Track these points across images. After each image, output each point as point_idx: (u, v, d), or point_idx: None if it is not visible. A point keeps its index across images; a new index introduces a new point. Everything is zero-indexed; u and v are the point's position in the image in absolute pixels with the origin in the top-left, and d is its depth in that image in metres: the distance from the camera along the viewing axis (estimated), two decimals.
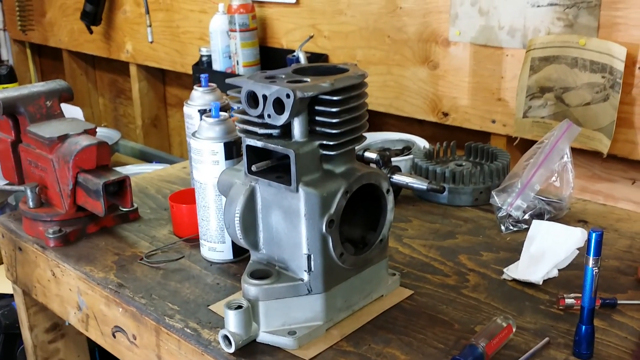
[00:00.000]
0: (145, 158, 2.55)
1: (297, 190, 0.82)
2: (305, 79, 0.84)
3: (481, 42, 1.58)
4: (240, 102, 0.86)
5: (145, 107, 2.76)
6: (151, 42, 2.51)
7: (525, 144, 1.49)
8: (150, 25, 2.49)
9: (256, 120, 0.85)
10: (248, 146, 0.86)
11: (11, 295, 1.44)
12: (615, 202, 1.49)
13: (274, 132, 0.85)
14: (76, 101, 3.08)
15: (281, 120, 0.81)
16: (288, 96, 0.79)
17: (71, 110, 2.37)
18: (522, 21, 1.49)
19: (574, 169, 1.18)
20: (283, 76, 0.86)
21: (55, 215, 1.16)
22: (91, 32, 2.74)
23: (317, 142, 0.84)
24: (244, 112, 0.86)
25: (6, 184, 1.31)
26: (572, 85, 1.43)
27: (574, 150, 1.19)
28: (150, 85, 2.76)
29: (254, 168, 0.85)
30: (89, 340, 1.38)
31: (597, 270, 0.78)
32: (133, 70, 2.73)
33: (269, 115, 0.82)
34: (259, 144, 0.85)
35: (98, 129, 1.22)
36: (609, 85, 1.37)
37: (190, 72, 2.32)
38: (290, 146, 0.82)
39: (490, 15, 1.54)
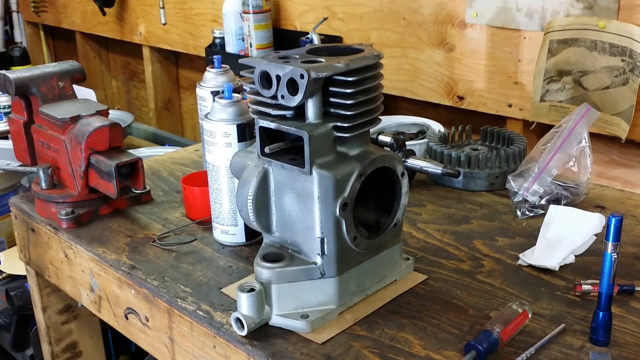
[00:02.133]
0: (158, 141, 2.54)
1: (311, 173, 0.81)
2: (319, 60, 0.83)
3: (498, 24, 1.56)
4: (253, 82, 0.84)
5: (158, 90, 2.76)
6: (164, 24, 2.49)
7: (542, 129, 1.46)
8: (163, 7, 2.48)
9: (269, 101, 0.84)
10: (261, 127, 0.85)
11: (24, 277, 1.44)
12: (633, 188, 1.47)
13: (288, 113, 0.83)
14: (89, 83, 3.08)
15: (295, 101, 0.80)
16: (302, 76, 0.78)
17: (84, 93, 2.36)
18: (540, 3, 1.46)
19: (592, 154, 1.16)
20: (297, 56, 0.84)
21: (67, 196, 1.16)
22: (104, 13, 2.73)
23: (332, 124, 0.83)
24: (257, 93, 0.85)
25: (19, 165, 1.31)
26: (591, 69, 1.41)
27: (591, 136, 1.17)
28: (163, 68, 2.75)
29: (267, 150, 0.84)
30: (101, 321, 1.39)
31: (616, 256, 0.77)
32: (146, 52, 2.72)
33: (282, 96, 0.81)
34: (272, 125, 0.84)
35: (112, 112, 1.22)
36: (628, 68, 1.34)
37: (203, 54, 2.30)
38: (304, 128, 0.81)
39: None
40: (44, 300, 1.32)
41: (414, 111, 1.82)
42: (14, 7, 3.42)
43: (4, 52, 3.05)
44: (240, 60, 0.86)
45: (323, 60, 0.82)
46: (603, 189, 1.24)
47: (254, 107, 0.86)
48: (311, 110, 0.82)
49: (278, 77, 0.81)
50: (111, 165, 1.09)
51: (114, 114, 2.50)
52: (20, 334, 1.52)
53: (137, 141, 2.56)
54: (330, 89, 0.82)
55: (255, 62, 0.83)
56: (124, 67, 3.12)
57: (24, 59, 3.00)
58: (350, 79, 0.81)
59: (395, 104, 1.87)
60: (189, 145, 2.02)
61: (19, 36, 3.46)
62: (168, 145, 2.37)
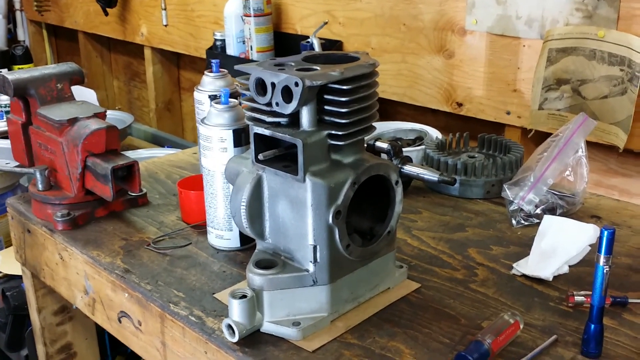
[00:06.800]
0: (158, 142, 2.55)
1: (304, 180, 0.81)
2: (315, 67, 0.83)
3: (498, 32, 1.56)
4: (248, 89, 0.84)
5: (159, 91, 2.76)
6: (166, 26, 2.50)
7: (540, 136, 1.46)
8: (165, 9, 2.48)
9: (264, 108, 0.84)
10: (256, 134, 0.85)
11: (20, 277, 1.45)
12: (630, 198, 1.47)
13: (282, 120, 0.84)
14: (91, 83, 3.09)
15: (289, 108, 0.80)
16: (296, 84, 0.78)
17: (85, 93, 2.37)
18: (540, 11, 1.46)
19: (589, 163, 1.16)
20: (292, 64, 0.85)
21: (64, 198, 1.16)
22: (107, 14, 2.73)
23: (326, 132, 0.83)
24: (252, 100, 0.85)
25: (17, 166, 1.32)
26: (590, 78, 1.41)
27: (589, 144, 1.17)
28: (165, 69, 2.75)
29: (261, 157, 0.84)
30: (97, 323, 1.39)
31: (607, 269, 0.77)
32: (147, 53, 2.72)
33: (277, 104, 0.81)
34: (266, 132, 0.84)
35: (112, 112, 1.22)
36: (627, 78, 1.34)
37: (204, 56, 2.31)
38: (298, 135, 0.81)
39: (508, 5, 1.51)
40: (39, 301, 1.33)
41: (413, 117, 1.82)
42: (17, 5, 3.42)
43: (7, 50, 3.06)
44: (237, 67, 0.86)
45: (318, 68, 0.83)
46: (599, 198, 1.24)
47: (249, 113, 0.86)
48: (305, 117, 0.82)
49: (273, 85, 0.81)
50: (107, 168, 1.09)
51: (115, 114, 2.50)
52: (16, 334, 1.53)
53: (137, 142, 2.56)
54: (325, 97, 0.82)
55: (251, 69, 0.83)
56: (125, 67, 3.13)
57: (27, 58, 3.00)
58: (344, 87, 0.81)
59: (394, 110, 1.87)
60: (189, 147, 2.03)
61: (21, 34, 3.47)
62: (167, 147, 2.37)
